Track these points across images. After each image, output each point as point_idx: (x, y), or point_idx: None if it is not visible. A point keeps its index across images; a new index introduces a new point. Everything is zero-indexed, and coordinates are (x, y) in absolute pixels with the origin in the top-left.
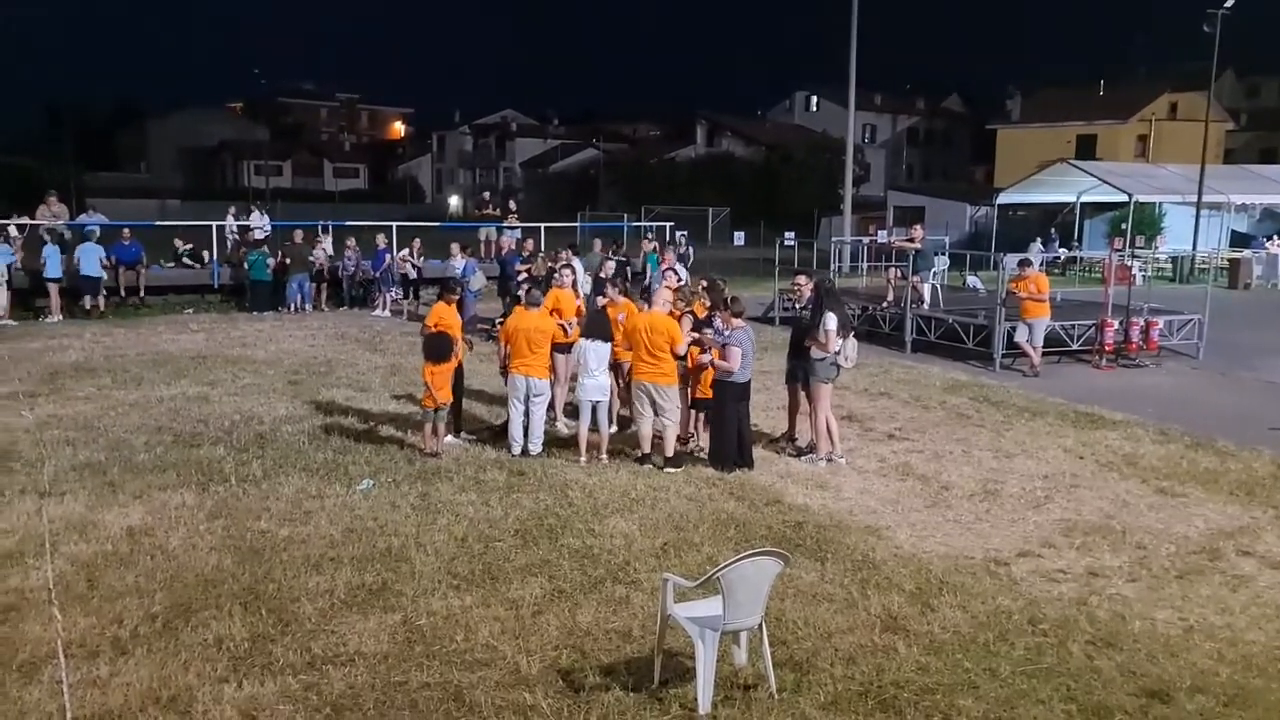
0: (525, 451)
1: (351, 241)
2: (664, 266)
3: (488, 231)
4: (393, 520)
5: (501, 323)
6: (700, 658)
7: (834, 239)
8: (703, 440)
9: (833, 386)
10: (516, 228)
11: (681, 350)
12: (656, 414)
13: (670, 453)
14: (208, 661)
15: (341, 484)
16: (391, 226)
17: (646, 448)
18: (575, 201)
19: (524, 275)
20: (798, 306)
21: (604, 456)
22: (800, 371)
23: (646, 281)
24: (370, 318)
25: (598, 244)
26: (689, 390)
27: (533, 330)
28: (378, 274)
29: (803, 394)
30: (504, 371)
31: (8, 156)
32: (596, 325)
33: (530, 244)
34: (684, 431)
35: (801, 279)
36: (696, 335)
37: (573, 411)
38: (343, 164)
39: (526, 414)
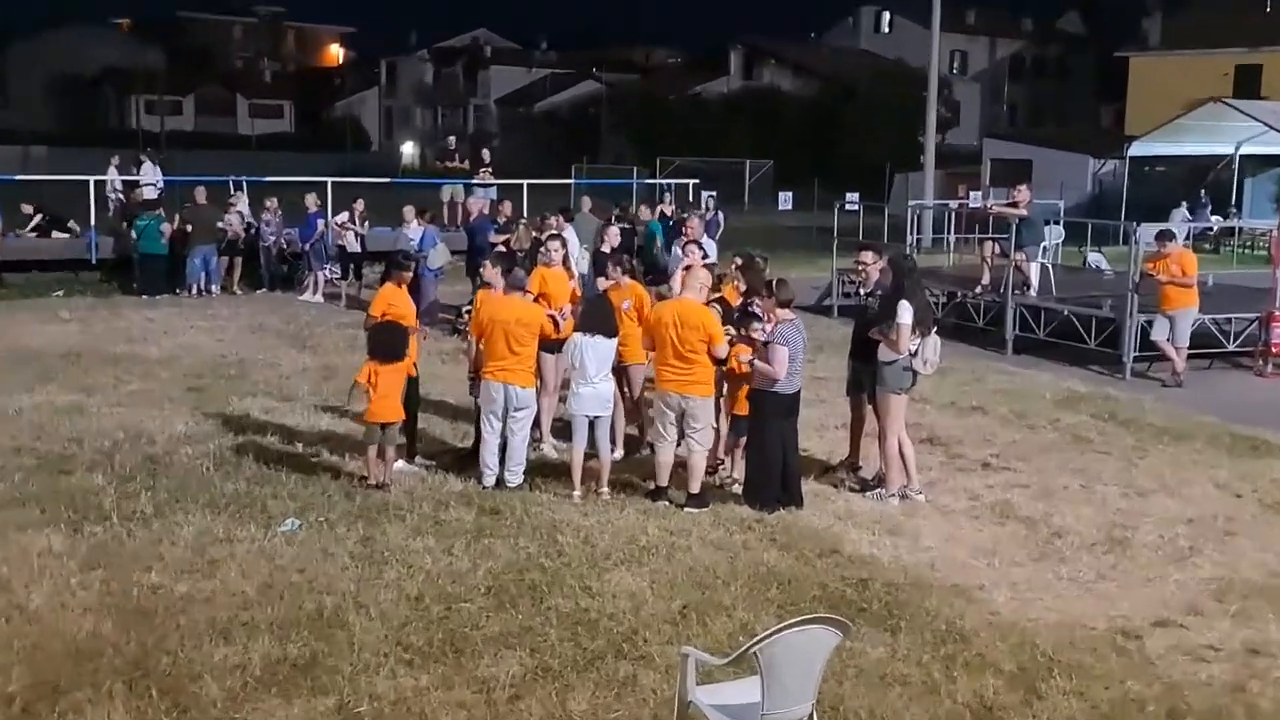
0: (501, 483)
1: (273, 203)
2: (685, 238)
3: (453, 191)
4: (325, 573)
5: (471, 312)
6: None
7: (911, 203)
8: (736, 469)
9: (908, 398)
10: (491, 185)
11: (723, 351)
12: (683, 436)
13: (696, 487)
14: None
15: (258, 524)
16: (326, 183)
17: (663, 479)
18: (569, 151)
19: (500, 249)
20: (863, 292)
21: (604, 490)
22: (866, 379)
23: (662, 263)
24: (298, 303)
25: (586, 202)
26: (722, 405)
27: (513, 323)
28: (308, 246)
29: (869, 408)
30: (474, 378)
31: None
32: (596, 316)
33: (508, 207)
34: (711, 458)
35: (868, 256)
36: (742, 332)
37: (564, 430)
38: (262, 100)
39: (504, 433)
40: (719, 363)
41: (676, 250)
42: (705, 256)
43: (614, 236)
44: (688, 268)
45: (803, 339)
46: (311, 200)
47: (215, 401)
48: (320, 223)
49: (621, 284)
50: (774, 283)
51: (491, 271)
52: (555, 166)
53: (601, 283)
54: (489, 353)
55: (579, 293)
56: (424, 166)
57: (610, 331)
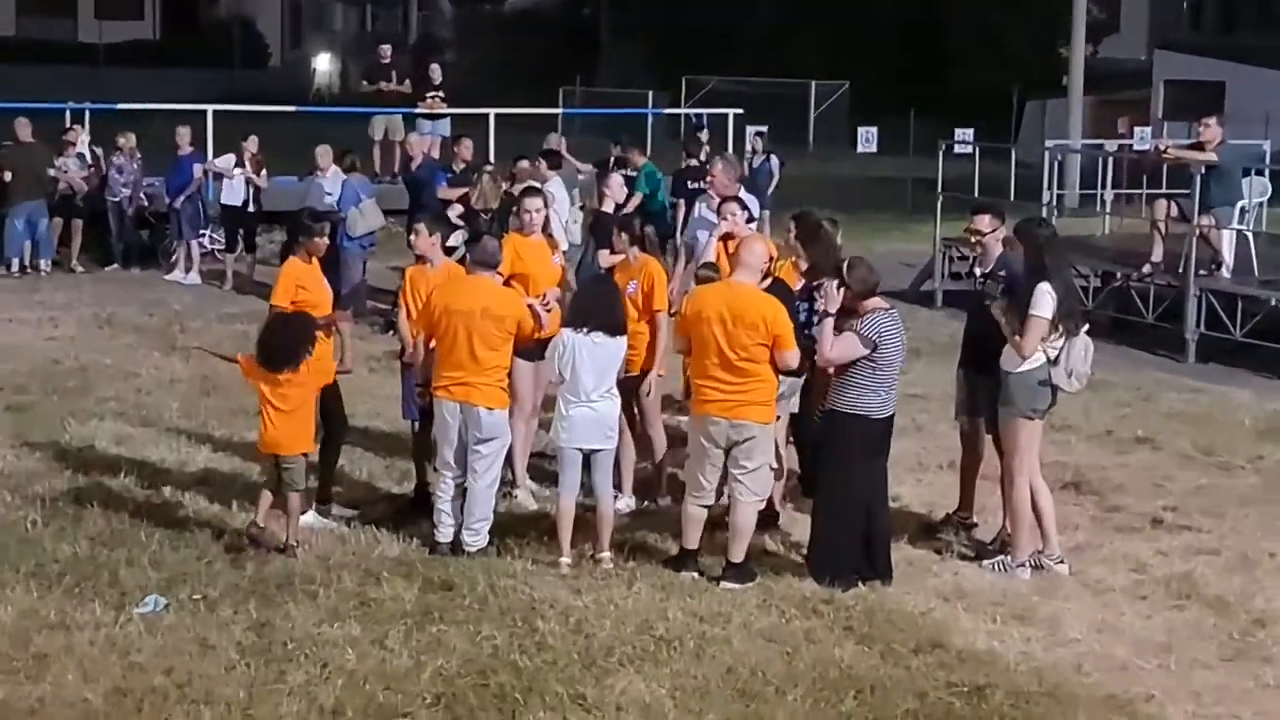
0: (458, 546)
1: (128, 142)
2: (713, 192)
3: (388, 124)
4: (203, 674)
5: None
6: None
7: (1049, 144)
8: (794, 523)
9: (1044, 425)
10: (442, 117)
11: (795, 359)
12: (730, 480)
13: (740, 553)
14: None
15: (106, 604)
16: (204, 113)
17: (692, 540)
18: (555, 68)
19: (456, 207)
20: (979, 273)
21: (605, 555)
22: (983, 398)
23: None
24: (164, 285)
25: (555, 138)
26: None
27: (479, 315)
28: (178, 204)
29: (987, 440)
30: (420, 393)
31: None
32: (594, 305)
33: (468, 149)
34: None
35: (987, 221)
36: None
37: (547, 471)
38: None
39: (463, 473)
40: (789, 374)
41: (702, 210)
42: (750, 220)
43: (616, 189)
44: (727, 237)
45: (901, 337)
46: (184, 137)
47: (45, 427)
48: (197, 169)
49: (631, 259)
50: (850, 263)
51: (427, 240)
52: (536, 90)
53: (604, 258)
54: (442, 359)
55: (568, 273)
56: (346, 90)
57: (615, 327)
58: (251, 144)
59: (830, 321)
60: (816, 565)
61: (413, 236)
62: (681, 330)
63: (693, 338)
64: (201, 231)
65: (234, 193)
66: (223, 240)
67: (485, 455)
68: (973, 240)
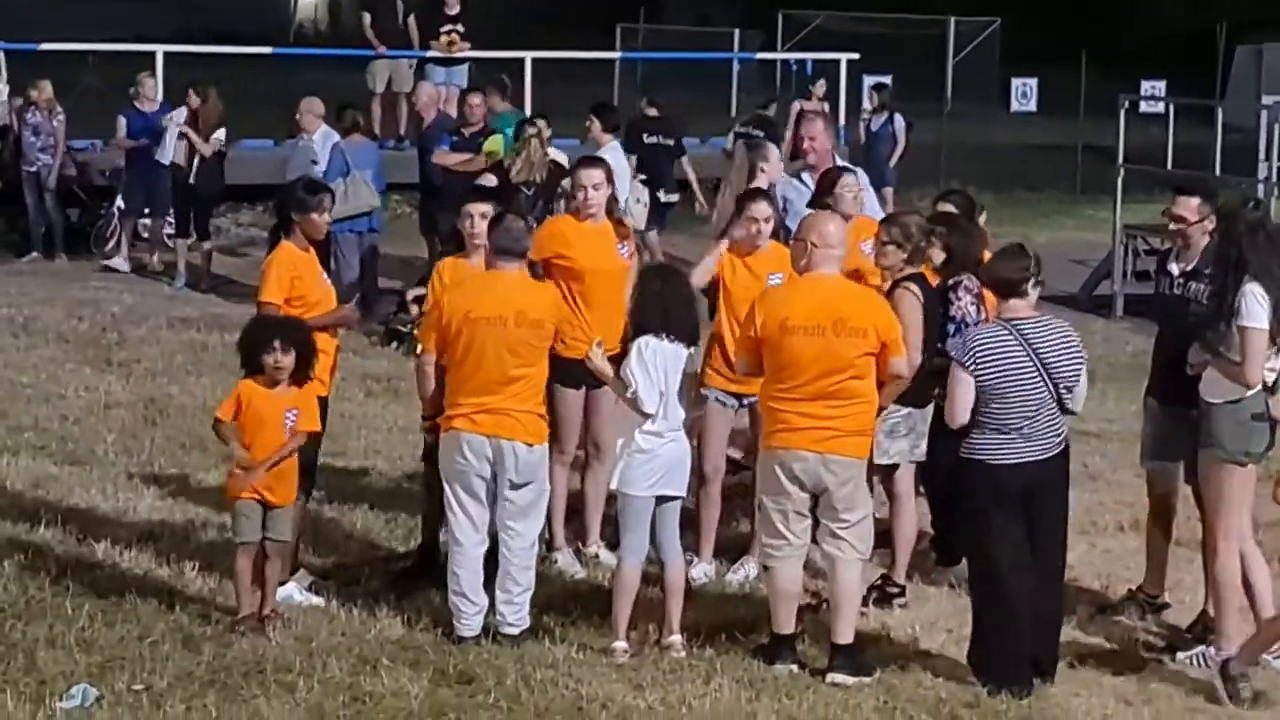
0: (491, 630)
1: (42, 93)
2: (805, 155)
3: (391, 71)
4: None
5: (424, 300)
6: None
7: (1267, 100)
8: (924, 601)
9: (1260, 473)
10: (461, 60)
11: (904, 365)
12: (823, 539)
13: (848, 632)
14: None
15: (21, 694)
16: (153, 55)
17: (787, 621)
18: (611, 2)
19: (486, 179)
20: (1175, 271)
21: (674, 638)
22: (1180, 436)
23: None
24: (96, 280)
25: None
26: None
27: (510, 321)
28: (113, 177)
29: (1185, 490)
30: (430, 425)
31: None
32: (672, 305)
33: (479, 104)
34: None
35: (1194, 205)
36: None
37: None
38: None
39: (492, 532)
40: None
41: (795, 187)
42: (852, 188)
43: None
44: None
45: (1040, 357)
46: (148, 86)
47: None
48: (167, 127)
49: (741, 238)
50: (1010, 254)
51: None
52: (584, 30)
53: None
54: (463, 381)
55: (633, 264)
56: (336, 26)
57: (689, 332)
58: (196, 100)
59: (964, 382)
60: (978, 662)
61: (467, 222)
62: (748, 345)
63: (769, 354)
64: (157, 213)
65: (165, 151)
66: (170, 223)
67: (522, 506)
68: (1169, 228)
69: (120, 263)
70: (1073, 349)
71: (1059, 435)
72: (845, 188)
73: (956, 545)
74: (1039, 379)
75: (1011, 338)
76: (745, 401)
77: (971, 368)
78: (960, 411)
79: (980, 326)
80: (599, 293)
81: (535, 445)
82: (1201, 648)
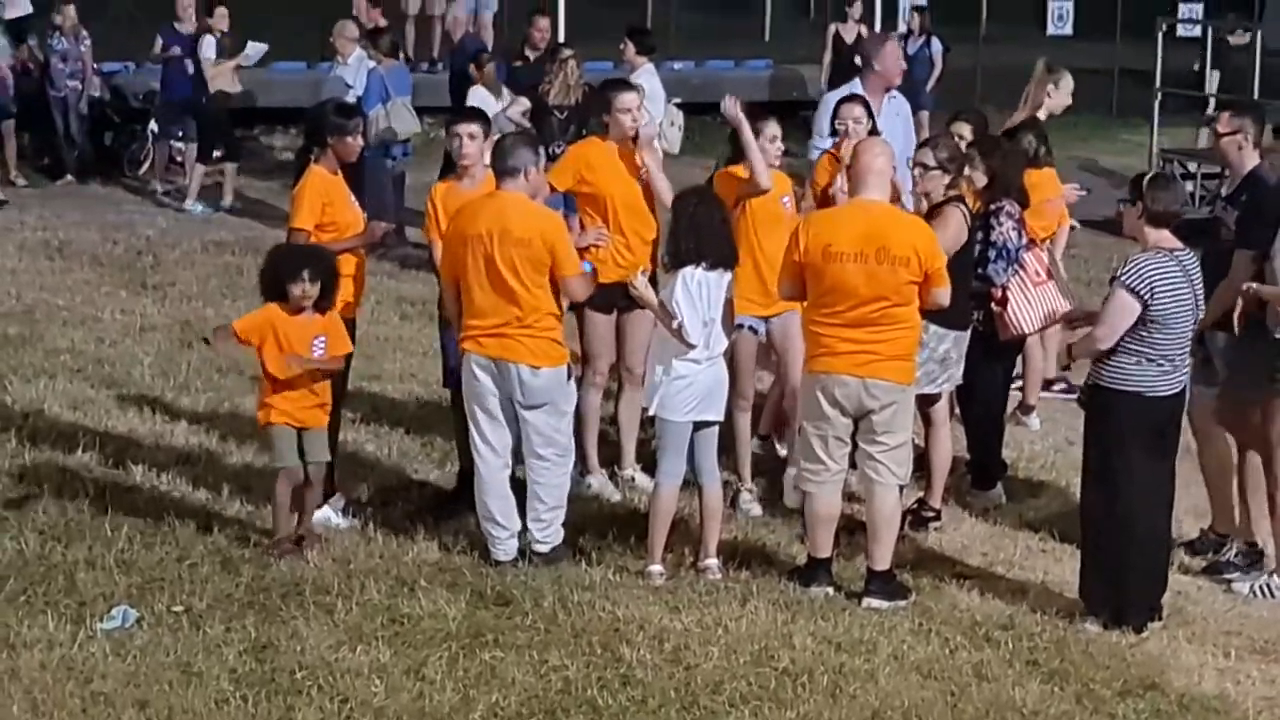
0: (526, 551)
1: (66, 18)
2: (882, 81)
3: None
4: (186, 709)
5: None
6: None
7: None
8: (959, 524)
9: None
10: None
11: (945, 296)
12: (862, 462)
13: (885, 559)
14: None
15: (60, 616)
16: None
17: (824, 545)
18: None
19: (519, 102)
20: (1224, 195)
21: (711, 562)
22: (1237, 372)
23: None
24: (130, 203)
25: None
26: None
27: (495, 238)
28: (146, 100)
29: (1251, 423)
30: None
31: None
32: (713, 228)
33: (543, 29)
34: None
35: (1231, 122)
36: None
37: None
38: None
39: (509, 456)
40: (936, 318)
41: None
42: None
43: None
44: (835, 149)
45: (1189, 286)
46: (184, 6)
47: None
48: (180, 53)
49: (754, 162)
50: (1146, 180)
51: (478, 145)
52: None
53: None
54: (466, 302)
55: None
56: None
57: (732, 258)
58: (222, 20)
59: (1127, 301)
60: (1094, 597)
61: (454, 142)
62: (792, 269)
63: (812, 280)
64: (186, 135)
65: (226, 79)
66: (220, 149)
67: (539, 428)
68: (1213, 146)
69: (156, 185)
70: (1201, 281)
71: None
72: (850, 116)
73: (994, 472)
74: (1194, 311)
75: (1177, 268)
76: (770, 323)
77: (1147, 296)
78: (1113, 336)
79: (1146, 254)
80: (625, 217)
81: (542, 368)
82: (1252, 570)
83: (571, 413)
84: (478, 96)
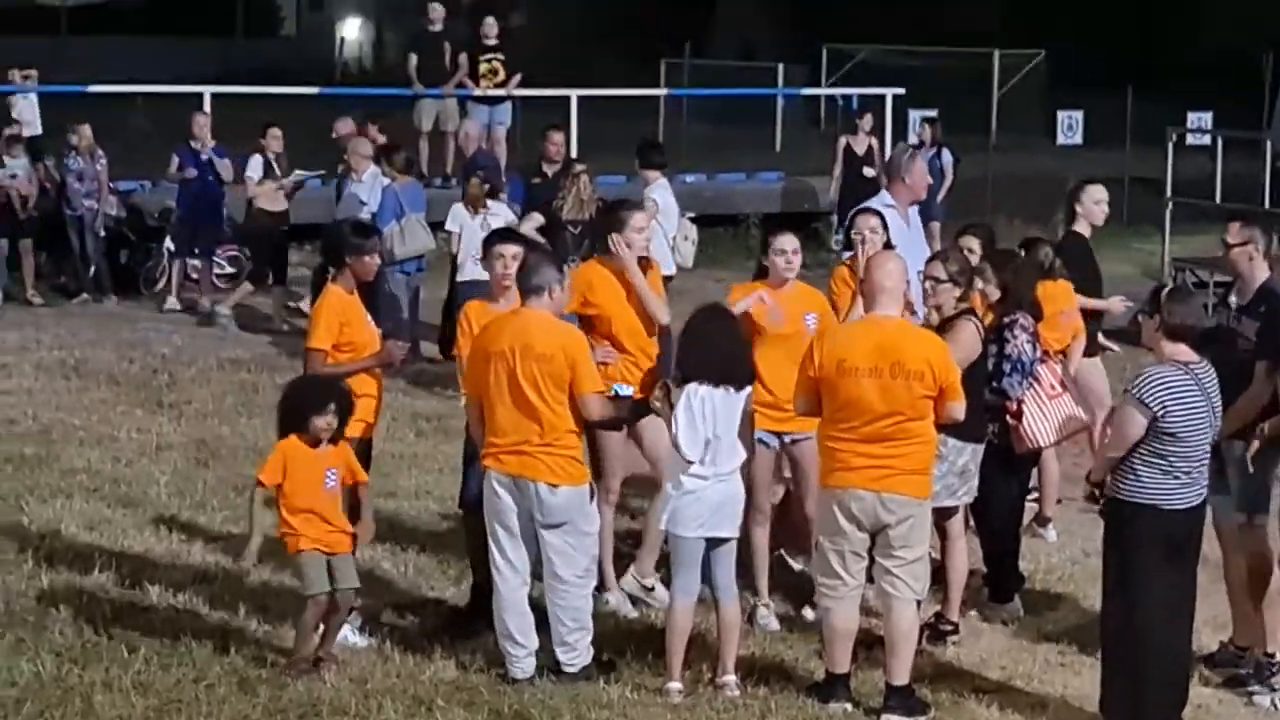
0: (552, 668)
1: (82, 138)
2: (904, 196)
3: (439, 110)
4: None
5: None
6: None
7: None
8: (978, 637)
9: None
10: (505, 99)
11: (960, 411)
12: (879, 577)
13: (904, 674)
14: None
15: None
16: (202, 96)
17: (841, 661)
18: (656, 34)
19: (533, 218)
20: (1234, 304)
21: (728, 678)
22: (1236, 474)
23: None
24: (146, 321)
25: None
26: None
27: (518, 355)
28: (162, 218)
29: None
30: (467, 461)
31: None
32: (717, 347)
33: (557, 143)
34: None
35: (1240, 234)
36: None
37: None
38: None
39: (527, 575)
40: (957, 433)
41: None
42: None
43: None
44: (851, 261)
45: (1203, 399)
46: (201, 125)
47: None
48: (218, 167)
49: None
50: (1164, 293)
51: (510, 264)
52: (631, 64)
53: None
54: (488, 418)
55: (663, 318)
56: (381, 65)
57: (747, 376)
58: (275, 140)
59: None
60: (1109, 709)
61: (497, 263)
62: (807, 385)
63: (827, 395)
64: (212, 255)
65: (267, 189)
66: (237, 266)
67: (558, 548)
68: (1225, 255)
69: (173, 303)
70: (1218, 393)
71: (1208, 479)
72: (867, 227)
73: (1011, 584)
74: (1210, 423)
75: (1191, 381)
76: (787, 439)
77: (1158, 409)
78: (1122, 447)
79: (1159, 367)
80: (629, 337)
81: (561, 486)
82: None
83: (594, 534)
84: (455, 214)
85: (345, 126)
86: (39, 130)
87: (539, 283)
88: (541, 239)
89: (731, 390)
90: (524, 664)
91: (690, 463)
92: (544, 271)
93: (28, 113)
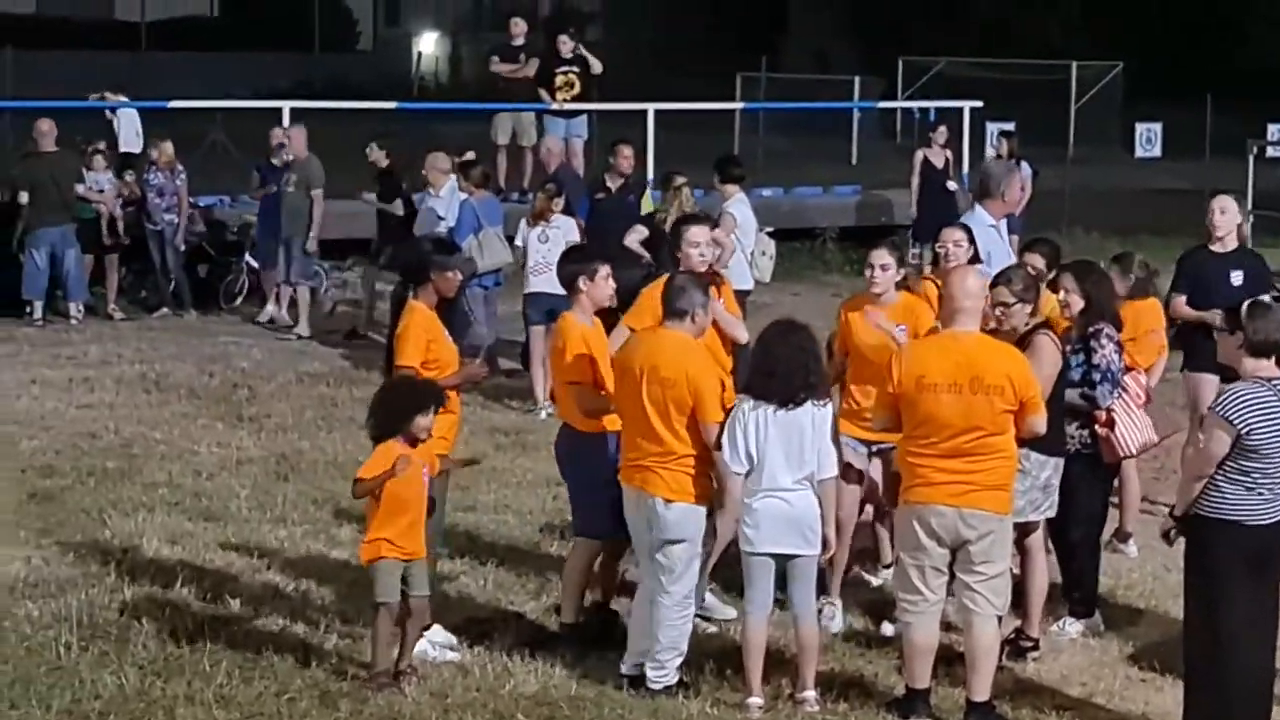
0: (633, 681)
1: (163, 153)
2: (996, 209)
3: (515, 125)
4: None
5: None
6: None
7: None
8: (1058, 654)
9: None
10: (584, 112)
11: (1041, 425)
12: (960, 592)
13: (984, 689)
14: None
15: None
16: (281, 111)
17: (922, 676)
18: (731, 48)
19: (637, 230)
20: None
21: (808, 693)
22: None
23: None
24: (226, 335)
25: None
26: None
27: (645, 376)
28: (241, 233)
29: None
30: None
31: None
32: (782, 361)
33: (627, 157)
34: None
35: None
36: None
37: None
38: None
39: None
40: (1038, 447)
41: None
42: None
43: None
44: (932, 271)
45: None
46: (283, 136)
47: (79, 520)
48: (275, 184)
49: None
50: (1245, 309)
51: (608, 284)
52: (707, 78)
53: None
54: (624, 433)
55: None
56: (457, 79)
57: (798, 393)
58: (377, 153)
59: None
60: None
61: (584, 280)
62: (886, 401)
63: (907, 411)
64: (308, 273)
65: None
66: (324, 280)
67: (666, 565)
68: None
69: (271, 311)
70: None
71: None
72: (952, 240)
73: (1089, 598)
74: None
75: (1274, 397)
76: (875, 448)
77: (1242, 426)
78: (1209, 465)
79: (1245, 385)
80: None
81: (674, 502)
82: None
83: (704, 552)
84: (520, 228)
85: (558, 144)
86: (138, 148)
87: (683, 306)
88: (645, 252)
89: (787, 408)
90: (631, 658)
91: (736, 474)
92: (690, 295)
93: (128, 130)
